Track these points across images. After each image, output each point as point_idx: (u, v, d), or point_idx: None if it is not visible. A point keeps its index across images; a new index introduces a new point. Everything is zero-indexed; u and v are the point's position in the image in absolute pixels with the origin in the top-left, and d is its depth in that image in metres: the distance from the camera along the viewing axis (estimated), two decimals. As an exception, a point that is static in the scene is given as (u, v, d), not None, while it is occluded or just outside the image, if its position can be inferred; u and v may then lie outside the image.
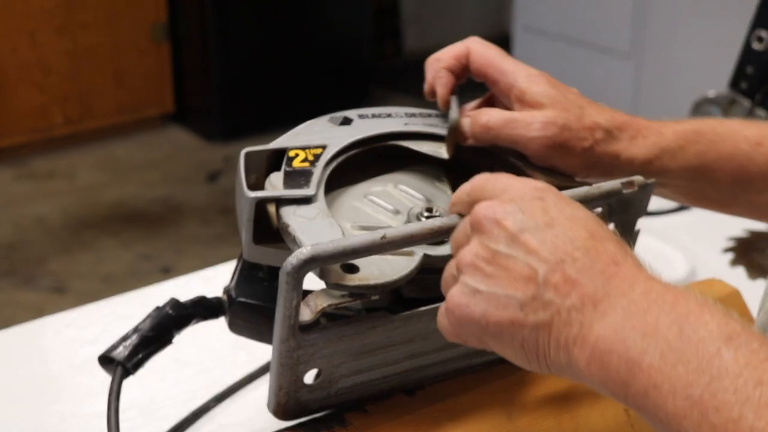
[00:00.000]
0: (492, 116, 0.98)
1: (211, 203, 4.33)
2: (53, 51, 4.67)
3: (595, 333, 0.68)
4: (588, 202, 0.88)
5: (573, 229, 0.72)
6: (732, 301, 1.11)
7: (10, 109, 4.63)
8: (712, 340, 0.63)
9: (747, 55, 2.01)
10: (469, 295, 0.75)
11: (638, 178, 0.92)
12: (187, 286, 1.48)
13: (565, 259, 0.71)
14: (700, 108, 2.03)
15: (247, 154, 0.93)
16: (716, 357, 0.63)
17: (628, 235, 0.95)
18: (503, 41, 5.28)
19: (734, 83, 2.03)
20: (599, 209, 0.93)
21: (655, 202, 1.71)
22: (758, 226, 1.66)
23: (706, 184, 1.01)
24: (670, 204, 1.72)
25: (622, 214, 0.94)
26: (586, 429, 0.97)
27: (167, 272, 3.77)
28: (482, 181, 0.80)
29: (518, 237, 0.73)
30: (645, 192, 0.92)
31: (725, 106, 2.00)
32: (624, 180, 0.91)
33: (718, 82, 2.23)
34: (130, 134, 4.99)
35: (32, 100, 4.67)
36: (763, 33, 1.98)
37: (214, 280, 1.43)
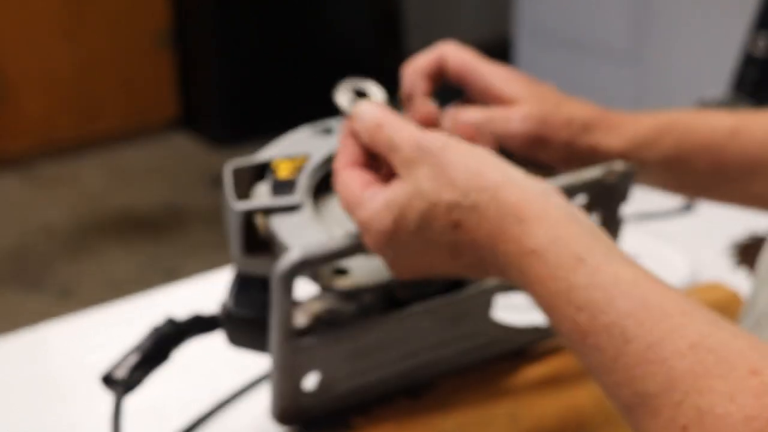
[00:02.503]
0: (471, 114, 0.99)
1: (217, 208, 4.33)
2: (59, 57, 4.67)
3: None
4: (569, 190, 0.90)
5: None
6: (733, 304, 1.11)
7: (15, 116, 4.63)
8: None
9: (747, 58, 2.01)
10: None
11: (618, 165, 0.93)
12: (192, 290, 1.49)
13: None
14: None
15: (232, 167, 0.94)
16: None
17: (612, 222, 0.96)
18: (505, 47, 5.29)
19: (735, 86, 2.03)
20: (581, 198, 0.94)
21: (657, 204, 1.72)
22: (760, 227, 1.66)
23: (683, 173, 1.02)
24: (671, 206, 1.72)
25: (605, 202, 0.95)
26: (592, 428, 0.97)
27: (172, 277, 3.77)
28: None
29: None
30: (626, 178, 0.94)
31: (726, 108, 2.00)
32: (604, 167, 0.93)
33: (719, 83, 2.23)
34: (136, 140, 4.99)
35: (38, 107, 4.68)
36: (763, 36, 1.98)
37: (218, 284, 1.43)
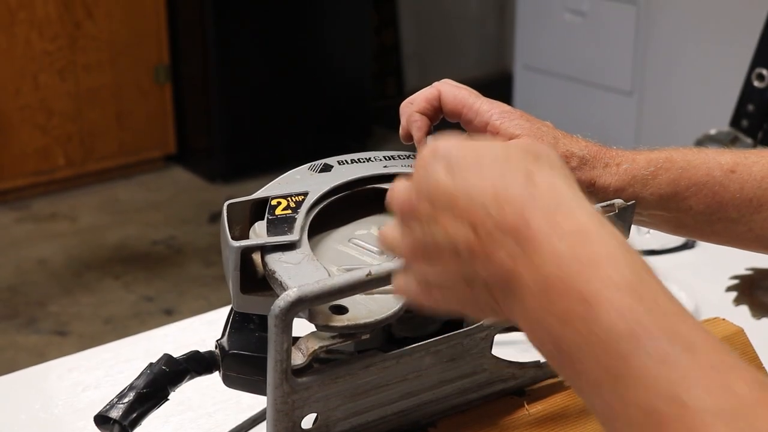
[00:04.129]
0: None
1: (214, 244, 4.32)
2: (56, 93, 4.68)
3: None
4: None
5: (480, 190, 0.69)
6: (736, 340, 1.11)
7: (12, 151, 4.64)
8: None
9: (748, 92, 2.02)
10: (423, 285, 0.74)
11: (618, 201, 0.93)
12: (189, 329, 1.48)
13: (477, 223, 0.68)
14: (702, 146, 2.03)
15: (230, 206, 0.94)
16: None
17: None
18: (504, 80, 5.31)
19: (735, 121, 2.03)
20: None
21: (658, 241, 1.72)
22: (761, 263, 1.66)
23: (679, 212, 1.01)
24: (673, 242, 1.72)
25: None
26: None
27: (170, 314, 3.77)
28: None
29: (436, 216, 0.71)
30: (625, 214, 0.94)
31: (727, 144, 2.00)
32: (604, 203, 0.92)
33: (719, 120, 2.23)
34: (133, 176, 5.00)
35: (35, 142, 4.68)
36: (763, 71, 1.98)
37: (216, 323, 1.43)
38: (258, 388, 0.95)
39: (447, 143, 0.72)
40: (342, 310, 0.85)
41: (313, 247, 0.93)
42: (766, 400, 0.57)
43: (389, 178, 1.01)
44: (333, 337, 0.86)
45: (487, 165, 0.69)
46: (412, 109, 1.04)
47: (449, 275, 0.71)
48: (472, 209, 0.68)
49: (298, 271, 0.88)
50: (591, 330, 0.61)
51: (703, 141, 2.04)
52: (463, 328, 0.94)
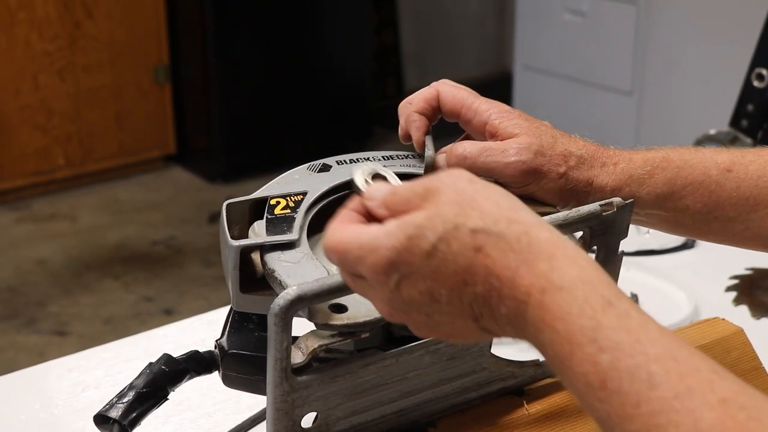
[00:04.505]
0: (467, 147, 1.00)
1: (213, 244, 4.32)
2: (55, 93, 4.68)
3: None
4: (568, 225, 0.90)
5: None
6: (736, 340, 1.11)
7: (12, 152, 4.64)
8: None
9: (747, 93, 2.02)
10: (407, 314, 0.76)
11: (617, 200, 0.94)
12: (189, 329, 1.48)
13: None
14: (701, 146, 2.03)
15: (229, 205, 0.94)
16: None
17: (612, 256, 0.96)
18: (504, 80, 5.31)
19: (735, 121, 2.03)
20: (580, 233, 0.94)
21: (658, 241, 1.72)
22: (761, 263, 1.66)
23: (677, 211, 1.01)
24: (672, 242, 1.72)
25: (604, 237, 0.95)
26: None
27: (169, 314, 3.77)
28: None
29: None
30: (624, 213, 0.94)
31: (726, 144, 2.00)
32: (602, 202, 0.93)
33: (719, 120, 2.23)
34: (132, 176, 5.00)
35: (34, 143, 4.68)
36: (763, 71, 1.98)
37: (216, 322, 1.43)
38: (258, 388, 0.95)
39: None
40: (341, 308, 0.85)
41: (312, 246, 0.93)
42: None
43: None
44: (332, 336, 0.86)
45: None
46: (410, 109, 1.04)
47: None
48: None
49: (298, 270, 0.89)
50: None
51: (703, 141, 2.04)
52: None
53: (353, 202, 0.79)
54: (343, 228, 0.76)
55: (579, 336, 0.65)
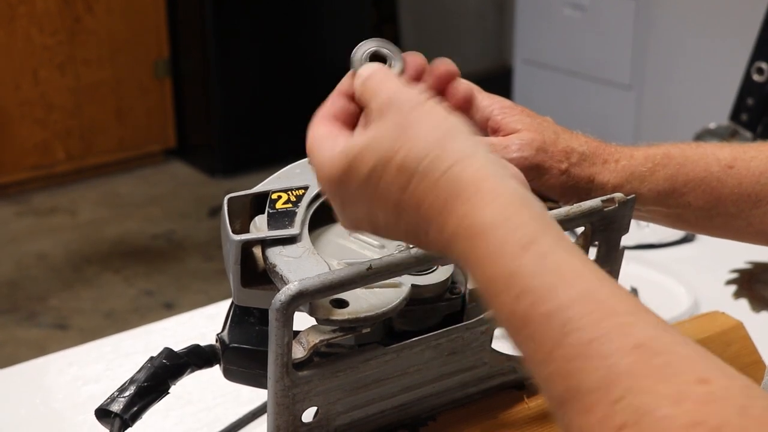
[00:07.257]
0: None
1: (214, 238, 4.33)
2: (55, 88, 4.68)
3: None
4: (570, 220, 0.90)
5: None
6: (735, 333, 1.11)
7: (12, 146, 4.64)
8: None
9: (747, 86, 2.02)
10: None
11: (618, 195, 0.93)
12: (189, 323, 1.48)
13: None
14: (701, 140, 2.03)
15: (231, 200, 0.94)
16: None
17: (614, 252, 0.96)
18: (504, 74, 5.30)
19: (735, 115, 2.03)
20: (582, 228, 0.94)
21: (657, 235, 1.72)
22: (761, 257, 1.66)
23: (679, 208, 1.01)
24: (672, 236, 1.72)
25: (606, 233, 0.95)
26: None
27: (170, 308, 3.77)
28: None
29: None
30: (626, 208, 0.94)
31: (726, 138, 2.00)
32: (604, 198, 0.93)
33: (719, 114, 2.23)
34: (132, 170, 5.00)
35: (34, 137, 4.69)
36: (763, 65, 1.98)
37: (217, 316, 1.43)
38: (258, 382, 0.95)
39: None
40: (343, 303, 0.85)
41: (313, 241, 0.93)
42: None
43: None
44: (334, 331, 0.86)
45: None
46: None
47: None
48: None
49: (299, 265, 0.88)
50: None
51: (703, 135, 2.04)
52: (463, 322, 0.94)
53: (345, 83, 0.86)
54: (317, 128, 0.82)
55: (495, 283, 0.65)
